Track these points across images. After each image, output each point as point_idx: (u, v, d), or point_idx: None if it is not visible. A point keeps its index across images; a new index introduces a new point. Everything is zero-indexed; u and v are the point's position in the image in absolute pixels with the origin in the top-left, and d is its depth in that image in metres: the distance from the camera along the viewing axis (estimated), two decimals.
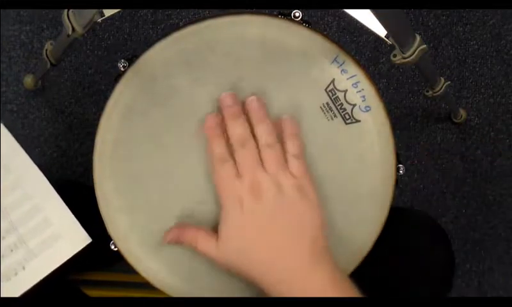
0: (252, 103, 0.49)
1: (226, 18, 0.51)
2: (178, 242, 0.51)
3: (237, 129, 0.48)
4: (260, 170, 0.47)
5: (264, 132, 0.48)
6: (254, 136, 0.49)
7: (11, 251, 0.54)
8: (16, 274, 0.53)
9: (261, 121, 0.49)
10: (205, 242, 0.49)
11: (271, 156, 0.47)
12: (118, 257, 0.54)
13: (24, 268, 0.53)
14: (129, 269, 0.54)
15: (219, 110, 0.50)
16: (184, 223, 0.52)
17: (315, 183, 0.49)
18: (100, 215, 0.53)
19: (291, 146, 0.49)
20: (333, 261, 0.47)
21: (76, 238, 0.54)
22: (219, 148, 0.48)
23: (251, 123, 0.49)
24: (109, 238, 0.53)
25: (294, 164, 0.48)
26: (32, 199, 0.55)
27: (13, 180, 0.55)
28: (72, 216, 0.55)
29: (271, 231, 0.46)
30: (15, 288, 0.53)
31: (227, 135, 0.49)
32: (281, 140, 0.49)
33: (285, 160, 0.48)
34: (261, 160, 0.48)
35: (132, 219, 0.53)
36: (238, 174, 0.47)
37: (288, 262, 0.46)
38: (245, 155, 0.47)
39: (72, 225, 0.55)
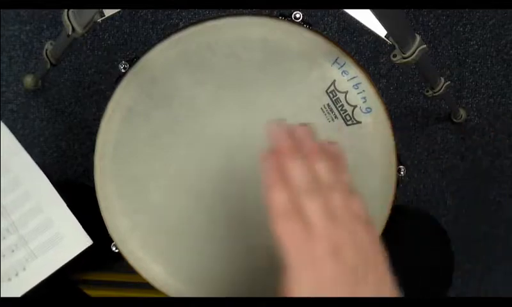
0: (303, 136, 0.42)
1: (227, 19, 0.51)
2: None
3: (299, 172, 0.40)
4: (335, 225, 0.39)
5: (325, 172, 0.41)
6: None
7: (12, 251, 0.54)
8: (17, 274, 0.53)
9: (320, 158, 0.41)
10: None
11: (340, 202, 0.40)
12: (118, 257, 0.54)
13: (24, 268, 0.53)
14: (129, 269, 0.54)
15: (271, 144, 0.42)
16: None
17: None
18: (101, 216, 0.53)
19: (345, 181, 0.42)
20: None
21: (77, 240, 0.54)
22: (283, 198, 0.40)
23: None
24: (109, 239, 0.53)
25: (356, 203, 0.41)
26: (33, 199, 0.55)
27: (13, 178, 0.55)
28: (73, 217, 0.55)
29: (353, 289, 0.39)
30: (16, 289, 0.53)
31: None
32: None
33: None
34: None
35: (133, 221, 0.53)
36: (308, 230, 0.39)
37: None
38: (316, 207, 0.40)
39: (73, 226, 0.54)
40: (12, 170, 0.55)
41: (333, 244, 0.39)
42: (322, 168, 0.41)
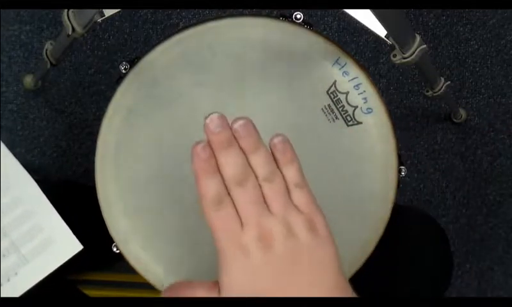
0: (240, 128, 0.40)
1: (228, 20, 0.51)
2: None
3: (230, 163, 0.40)
4: (265, 214, 0.39)
5: (260, 163, 0.40)
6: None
7: (4, 256, 0.53)
8: (8, 279, 0.53)
9: (255, 149, 0.40)
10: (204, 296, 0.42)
11: (274, 193, 0.40)
12: (118, 257, 0.54)
13: (16, 273, 0.53)
14: (129, 269, 0.54)
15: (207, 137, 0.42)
16: (176, 284, 0.44)
17: (322, 211, 0.42)
18: (101, 216, 0.54)
19: (291, 175, 0.41)
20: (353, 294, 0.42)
21: (68, 245, 0.54)
22: (211, 188, 0.40)
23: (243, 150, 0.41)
24: (109, 239, 0.53)
25: (299, 196, 0.41)
26: (23, 204, 0.55)
27: (2, 184, 0.55)
28: (63, 222, 0.55)
29: (285, 280, 0.40)
30: (8, 294, 0.53)
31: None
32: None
33: (288, 191, 0.41)
34: (262, 196, 0.40)
35: (134, 222, 0.53)
36: (239, 219, 0.40)
37: None
38: (245, 197, 0.39)
39: (63, 231, 0.54)
40: (2, 176, 0.55)
41: (263, 233, 0.39)
42: (258, 159, 0.40)
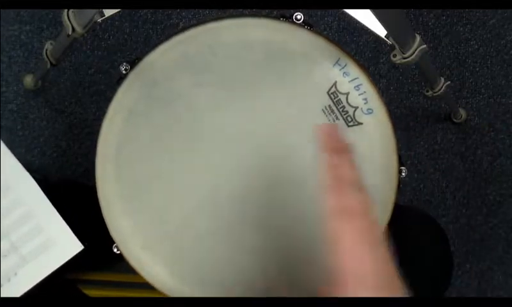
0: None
1: (228, 20, 0.51)
2: None
3: (347, 169, 0.44)
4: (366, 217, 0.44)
5: (351, 170, 0.44)
6: None
7: (5, 256, 0.53)
8: (9, 279, 0.53)
9: (349, 156, 0.45)
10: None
11: (359, 199, 0.44)
12: (118, 257, 0.54)
13: (16, 274, 0.53)
14: (129, 269, 0.54)
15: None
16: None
17: None
18: (101, 216, 0.53)
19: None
20: None
21: (68, 245, 0.54)
22: (341, 201, 0.43)
23: None
24: (110, 240, 0.53)
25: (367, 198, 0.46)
26: (23, 205, 0.54)
27: (3, 185, 0.54)
28: (64, 223, 0.55)
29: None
30: (8, 294, 0.53)
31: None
32: None
33: None
34: None
35: (134, 222, 0.53)
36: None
37: None
38: (357, 201, 0.44)
39: (64, 232, 0.54)
40: (2, 176, 0.55)
41: (372, 237, 0.44)
42: (348, 166, 0.44)
